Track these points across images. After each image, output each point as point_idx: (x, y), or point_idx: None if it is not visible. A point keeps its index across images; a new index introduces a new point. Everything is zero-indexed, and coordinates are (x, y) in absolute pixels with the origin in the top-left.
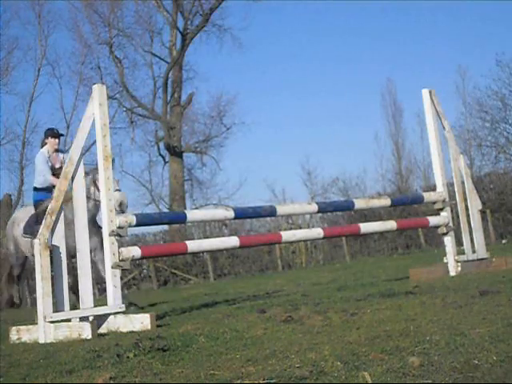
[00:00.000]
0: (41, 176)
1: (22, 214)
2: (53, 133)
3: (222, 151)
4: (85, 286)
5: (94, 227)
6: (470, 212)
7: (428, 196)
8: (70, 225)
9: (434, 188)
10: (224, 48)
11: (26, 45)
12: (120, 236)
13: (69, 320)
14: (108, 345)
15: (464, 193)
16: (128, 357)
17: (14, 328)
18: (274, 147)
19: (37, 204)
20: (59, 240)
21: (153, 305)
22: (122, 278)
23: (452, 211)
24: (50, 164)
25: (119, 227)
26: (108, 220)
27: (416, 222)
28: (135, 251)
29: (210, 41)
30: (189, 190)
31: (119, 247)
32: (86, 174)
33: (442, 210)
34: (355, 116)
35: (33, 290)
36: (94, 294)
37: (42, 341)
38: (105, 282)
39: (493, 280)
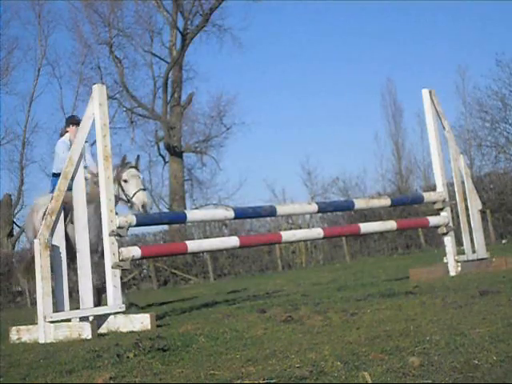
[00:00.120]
0: (62, 164)
1: (41, 202)
2: (74, 120)
3: (222, 151)
4: (85, 286)
5: None
6: (470, 212)
7: (428, 196)
8: (91, 221)
9: (434, 188)
10: (224, 48)
11: (26, 45)
12: (120, 236)
13: (69, 320)
14: (108, 345)
15: (464, 193)
16: (128, 357)
17: (14, 328)
18: (274, 147)
19: (53, 191)
20: (59, 240)
21: (150, 305)
22: (121, 278)
23: (452, 211)
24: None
25: (119, 227)
26: (108, 220)
27: (416, 221)
28: (135, 251)
29: (210, 41)
30: (189, 190)
31: (119, 247)
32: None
33: (441, 209)
34: (355, 116)
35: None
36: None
37: (42, 341)
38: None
39: (493, 280)
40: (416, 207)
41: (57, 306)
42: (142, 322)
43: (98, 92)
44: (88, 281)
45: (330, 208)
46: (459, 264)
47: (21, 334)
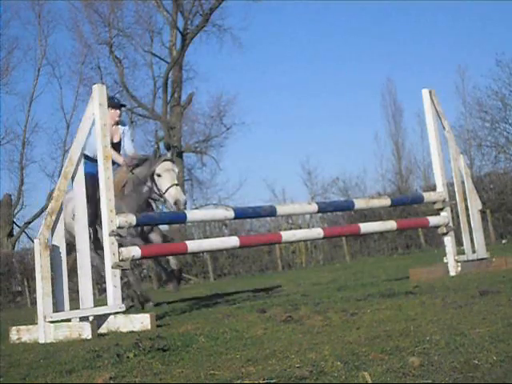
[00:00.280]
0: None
1: (70, 195)
2: (113, 103)
3: (222, 151)
4: (85, 286)
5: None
6: (470, 212)
7: (428, 196)
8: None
9: (434, 188)
10: (224, 48)
11: (26, 45)
12: (120, 236)
13: (69, 320)
14: (108, 345)
15: (464, 193)
16: (128, 357)
17: (14, 328)
18: (274, 147)
19: (85, 175)
20: (59, 240)
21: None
22: (121, 278)
23: (452, 211)
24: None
25: (119, 227)
26: (108, 220)
27: (416, 221)
28: (135, 251)
29: (210, 41)
30: (189, 189)
31: (119, 247)
32: (144, 161)
33: (441, 209)
34: (355, 116)
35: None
36: (94, 294)
37: (42, 341)
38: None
39: (493, 280)
40: (416, 207)
41: (57, 306)
42: (142, 321)
43: (98, 92)
44: (88, 281)
45: (330, 208)
46: (459, 264)
47: (21, 334)
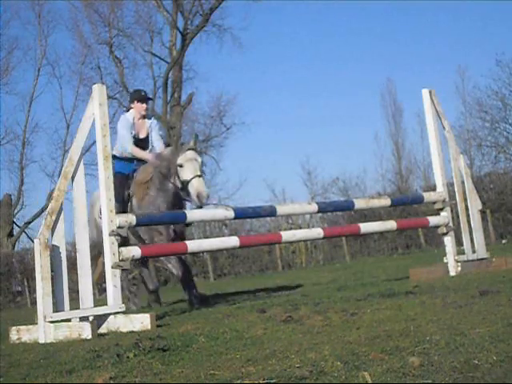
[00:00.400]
0: (122, 141)
1: (96, 195)
2: (140, 96)
3: (222, 151)
4: (85, 286)
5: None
6: (470, 212)
7: (428, 196)
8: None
9: (434, 188)
10: (224, 48)
11: (25, 45)
12: (120, 236)
13: (69, 320)
14: (108, 345)
15: (464, 193)
16: (128, 357)
17: (13, 328)
18: (274, 147)
19: (114, 176)
20: (59, 240)
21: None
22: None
23: (452, 211)
24: (133, 132)
25: (119, 227)
26: (108, 220)
27: (416, 221)
28: (135, 251)
29: (210, 41)
30: None
31: (119, 247)
32: (161, 158)
33: (441, 209)
34: (355, 116)
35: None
36: (94, 294)
37: (42, 341)
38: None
39: (493, 280)
40: (416, 207)
41: (57, 306)
42: (142, 322)
43: (98, 92)
44: (88, 281)
45: (330, 208)
46: (459, 264)
47: (21, 334)
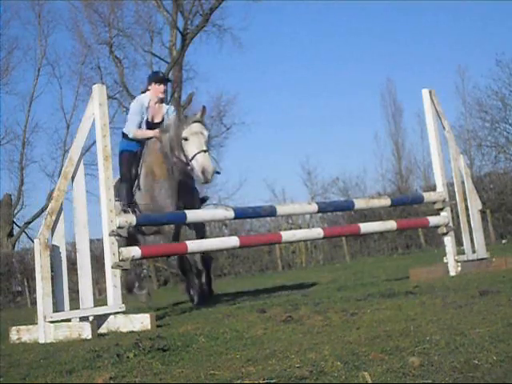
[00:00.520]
0: (130, 125)
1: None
2: (157, 77)
3: (222, 151)
4: (85, 286)
5: (192, 197)
6: (470, 212)
7: (428, 196)
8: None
9: (434, 188)
10: (224, 48)
11: (25, 45)
12: (120, 236)
13: (69, 320)
14: (108, 345)
15: (464, 193)
16: (128, 357)
17: (13, 328)
18: (274, 147)
19: (121, 154)
20: (59, 240)
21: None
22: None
23: (452, 211)
24: (145, 115)
25: (119, 227)
26: (108, 220)
27: (416, 222)
28: (135, 251)
29: (210, 41)
30: None
31: (119, 247)
32: (164, 131)
33: (441, 209)
34: (355, 116)
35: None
36: (94, 294)
37: (42, 341)
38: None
39: (493, 280)
40: (416, 207)
41: (57, 306)
42: (142, 322)
43: (98, 92)
44: (88, 281)
45: (330, 208)
46: (459, 264)
47: (21, 333)
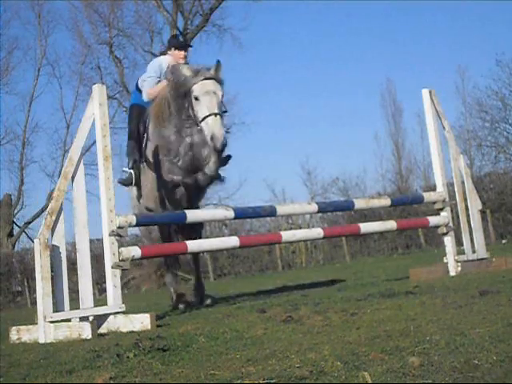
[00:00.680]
0: (145, 83)
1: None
2: (177, 42)
3: None
4: (85, 286)
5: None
6: (470, 212)
7: (428, 196)
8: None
9: (434, 188)
10: (224, 48)
11: (25, 45)
12: (120, 236)
13: (69, 320)
14: (108, 345)
15: (464, 193)
16: (128, 357)
17: (13, 328)
18: (274, 147)
19: (132, 107)
20: (59, 240)
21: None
22: (121, 278)
23: (452, 211)
24: (162, 78)
25: (119, 227)
26: (108, 220)
27: (416, 222)
28: (135, 251)
29: (210, 41)
30: None
31: (119, 247)
32: (172, 82)
33: (441, 209)
34: (355, 116)
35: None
36: (94, 294)
37: (42, 341)
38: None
39: (493, 280)
40: (416, 207)
41: (57, 306)
42: (141, 322)
43: (98, 92)
44: (88, 281)
45: (330, 208)
46: (459, 264)
47: (21, 333)
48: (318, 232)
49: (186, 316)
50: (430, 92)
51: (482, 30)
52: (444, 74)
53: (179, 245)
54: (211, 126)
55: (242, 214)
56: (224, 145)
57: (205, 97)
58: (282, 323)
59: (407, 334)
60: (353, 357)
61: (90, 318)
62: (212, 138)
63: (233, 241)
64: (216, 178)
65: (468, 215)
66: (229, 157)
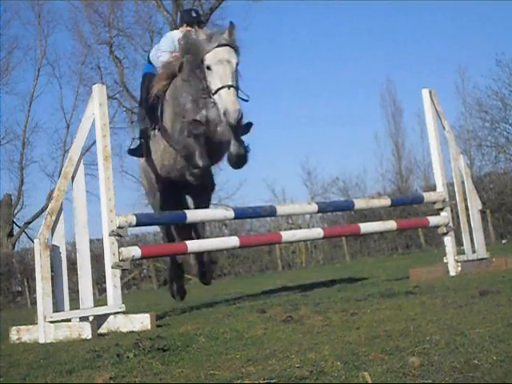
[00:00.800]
0: (157, 55)
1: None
2: (190, 18)
3: None
4: (85, 286)
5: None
6: (470, 212)
7: (428, 196)
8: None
9: (434, 188)
10: None
11: (25, 45)
12: (120, 236)
13: (69, 320)
14: (108, 345)
15: (464, 193)
16: (128, 357)
17: (13, 328)
18: (274, 147)
19: (144, 76)
20: (59, 240)
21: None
22: (121, 278)
23: (452, 211)
24: (172, 54)
25: (119, 227)
26: (108, 220)
27: (416, 221)
28: (135, 251)
29: None
30: None
31: (119, 247)
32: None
33: (441, 209)
34: (355, 116)
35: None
36: (94, 294)
37: (42, 341)
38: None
39: (493, 280)
40: (416, 207)
41: (57, 306)
42: (141, 322)
43: (98, 92)
44: (88, 281)
45: (330, 208)
46: (459, 264)
47: (21, 334)
48: (318, 232)
49: (186, 316)
50: (430, 92)
51: (482, 29)
52: (444, 74)
53: (179, 245)
54: (224, 100)
55: (241, 214)
56: (239, 119)
57: (218, 66)
58: (281, 323)
59: (407, 334)
60: (353, 357)
61: (90, 318)
62: (225, 113)
63: (233, 241)
64: (244, 153)
65: (468, 215)
66: (250, 124)
